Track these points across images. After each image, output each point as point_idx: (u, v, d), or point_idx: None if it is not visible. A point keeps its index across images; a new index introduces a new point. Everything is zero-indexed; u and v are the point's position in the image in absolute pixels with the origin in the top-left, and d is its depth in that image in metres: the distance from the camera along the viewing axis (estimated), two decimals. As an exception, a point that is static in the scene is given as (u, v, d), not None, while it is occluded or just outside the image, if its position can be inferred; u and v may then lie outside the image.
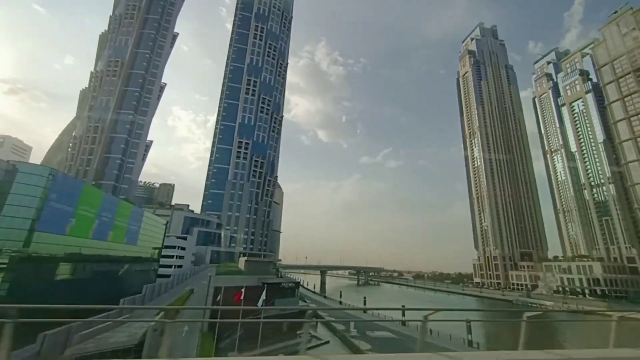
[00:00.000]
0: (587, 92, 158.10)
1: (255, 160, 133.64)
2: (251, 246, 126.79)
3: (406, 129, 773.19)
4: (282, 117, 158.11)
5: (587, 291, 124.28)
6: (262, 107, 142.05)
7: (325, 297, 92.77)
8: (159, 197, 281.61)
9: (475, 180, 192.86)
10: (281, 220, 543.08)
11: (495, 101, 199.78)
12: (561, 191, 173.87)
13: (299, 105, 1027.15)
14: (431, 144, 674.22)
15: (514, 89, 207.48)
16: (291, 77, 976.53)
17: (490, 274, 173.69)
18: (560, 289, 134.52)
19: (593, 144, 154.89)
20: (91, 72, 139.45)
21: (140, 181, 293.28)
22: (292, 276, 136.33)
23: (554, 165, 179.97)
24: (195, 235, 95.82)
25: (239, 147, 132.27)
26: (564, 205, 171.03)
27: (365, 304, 76.04)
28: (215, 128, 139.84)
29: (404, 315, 35.77)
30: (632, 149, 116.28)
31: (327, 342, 33.80)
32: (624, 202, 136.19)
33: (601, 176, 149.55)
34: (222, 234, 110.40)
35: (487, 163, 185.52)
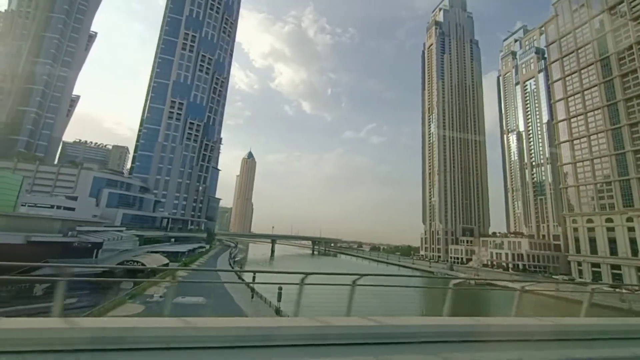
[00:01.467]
0: (539, 71, 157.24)
1: (191, 123, 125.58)
2: (182, 212, 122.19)
3: (391, 104, 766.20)
4: (226, 78, 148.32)
5: (510, 265, 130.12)
6: (201, 66, 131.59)
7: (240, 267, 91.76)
8: (111, 160, 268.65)
9: (430, 157, 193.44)
10: (252, 190, 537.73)
11: (457, 77, 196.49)
12: (512, 171, 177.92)
13: (284, 74, 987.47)
14: (413, 121, 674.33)
15: (476, 66, 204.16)
16: (276, 43, 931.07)
17: (433, 248, 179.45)
18: (489, 263, 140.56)
19: (539, 125, 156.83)
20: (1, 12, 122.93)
21: (92, 142, 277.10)
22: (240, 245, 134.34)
23: (509, 145, 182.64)
24: (106, 197, 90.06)
25: (172, 107, 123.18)
26: (513, 184, 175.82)
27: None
28: (149, 85, 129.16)
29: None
30: (566, 129, 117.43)
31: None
32: (557, 182, 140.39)
33: (541, 157, 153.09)
34: (144, 198, 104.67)
35: (440, 139, 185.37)
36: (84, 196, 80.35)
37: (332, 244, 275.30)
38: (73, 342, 2.16)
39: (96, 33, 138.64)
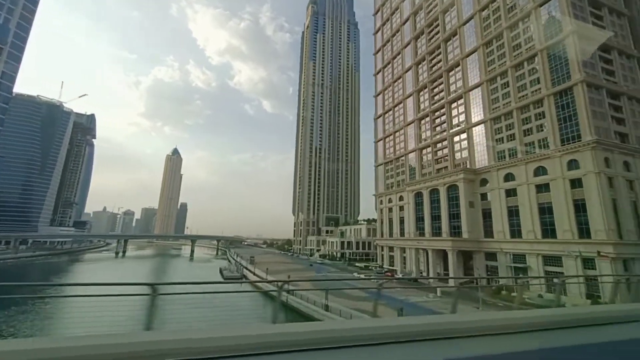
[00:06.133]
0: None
1: None
2: None
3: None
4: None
5: (338, 255, 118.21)
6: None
7: None
8: None
9: (302, 142, 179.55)
10: (180, 191, 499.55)
11: (330, 58, 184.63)
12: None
13: (242, 72, 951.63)
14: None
15: (353, 48, 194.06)
16: (232, 40, 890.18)
17: (299, 240, 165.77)
18: (328, 253, 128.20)
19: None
20: None
21: None
22: None
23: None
24: None
25: None
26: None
27: None
28: None
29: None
30: (381, 104, 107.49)
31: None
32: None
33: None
34: None
35: (307, 123, 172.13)
36: None
37: (231, 242, 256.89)
38: None
39: None
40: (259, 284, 54.79)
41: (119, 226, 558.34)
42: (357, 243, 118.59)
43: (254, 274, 70.86)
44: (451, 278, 58.79)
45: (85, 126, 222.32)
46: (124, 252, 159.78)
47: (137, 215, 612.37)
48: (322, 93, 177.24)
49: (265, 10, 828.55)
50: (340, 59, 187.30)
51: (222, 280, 67.09)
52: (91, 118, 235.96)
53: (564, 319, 2.72)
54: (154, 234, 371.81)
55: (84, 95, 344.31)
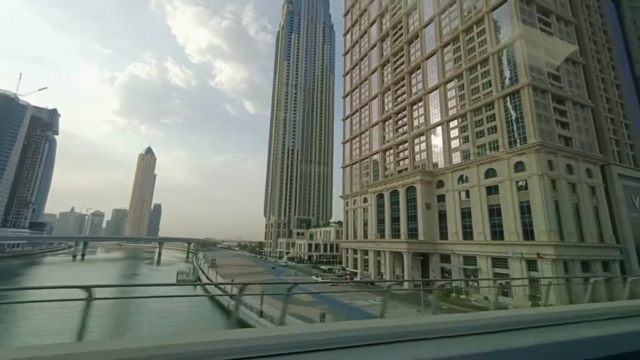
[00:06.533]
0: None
1: None
2: None
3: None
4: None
5: (305, 257, 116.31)
6: None
7: None
8: None
9: (275, 144, 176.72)
10: (153, 191, 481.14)
11: (304, 58, 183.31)
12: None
13: (224, 72, 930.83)
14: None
15: (327, 49, 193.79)
16: (213, 39, 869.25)
17: (269, 242, 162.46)
18: (297, 255, 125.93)
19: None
20: None
21: None
22: None
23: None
24: None
25: None
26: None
27: None
28: None
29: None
30: (349, 107, 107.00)
31: None
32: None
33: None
34: None
35: (280, 124, 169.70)
36: None
37: (203, 245, 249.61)
38: None
39: None
40: (210, 289, 52.02)
41: (86, 228, 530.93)
42: (325, 245, 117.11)
43: (207, 277, 67.61)
44: (405, 281, 58.17)
45: (45, 121, 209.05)
46: (83, 255, 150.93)
47: (108, 217, 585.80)
48: (295, 93, 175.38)
49: (248, 10, 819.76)
50: (315, 60, 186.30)
51: (172, 282, 63.44)
52: (52, 113, 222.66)
53: (502, 322, 2.66)
54: (124, 236, 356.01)
55: (44, 88, 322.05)
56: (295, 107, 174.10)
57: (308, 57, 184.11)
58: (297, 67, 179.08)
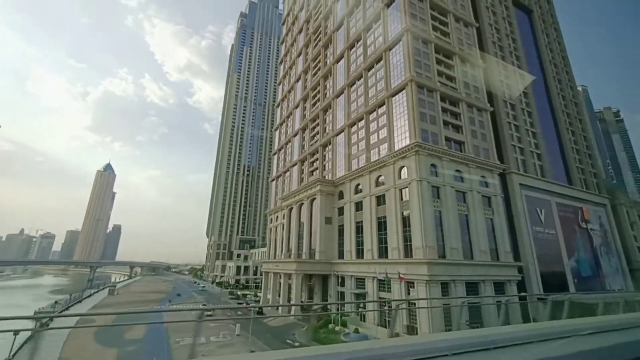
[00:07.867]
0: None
1: None
2: None
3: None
4: None
5: (232, 281, 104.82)
6: None
7: None
8: None
9: (221, 159, 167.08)
10: (111, 211, 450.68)
11: (256, 72, 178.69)
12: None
13: (203, 90, 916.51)
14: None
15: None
16: (193, 58, 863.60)
17: (208, 265, 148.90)
18: (227, 278, 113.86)
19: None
20: None
21: None
22: None
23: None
24: None
25: None
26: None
27: None
28: None
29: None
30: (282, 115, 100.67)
31: None
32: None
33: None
34: None
35: (226, 138, 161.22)
36: None
37: (153, 269, 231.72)
38: None
39: None
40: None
41: (34, 251, 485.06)
42: (256, 268, 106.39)
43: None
44: (282, 306, 49.39)
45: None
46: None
47: (62, 239, 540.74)
48: (245, 106, 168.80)
49: (229, 31, 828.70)
50: (268, 74, 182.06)
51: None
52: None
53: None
54: (72, 260, 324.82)
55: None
56: (243, 120, 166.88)
57: (260, 71, 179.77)
58: (247, 80, 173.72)
